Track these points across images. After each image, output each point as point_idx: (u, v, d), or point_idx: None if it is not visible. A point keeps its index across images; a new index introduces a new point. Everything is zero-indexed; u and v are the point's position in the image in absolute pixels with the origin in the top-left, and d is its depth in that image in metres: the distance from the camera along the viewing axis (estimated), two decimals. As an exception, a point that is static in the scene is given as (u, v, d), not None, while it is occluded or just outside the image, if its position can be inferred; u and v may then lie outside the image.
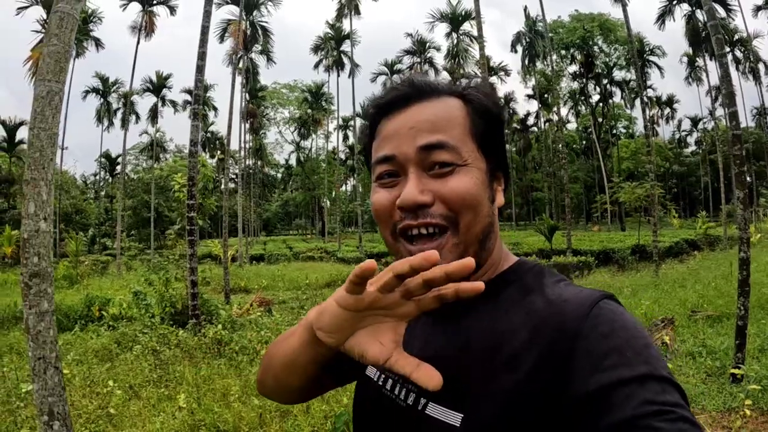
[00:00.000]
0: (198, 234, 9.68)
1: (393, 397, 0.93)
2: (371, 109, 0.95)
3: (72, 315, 13.59)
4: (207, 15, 10.44)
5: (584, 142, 68.19)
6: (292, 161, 72.83)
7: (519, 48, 49.62)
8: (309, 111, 56.83)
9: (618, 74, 54.88)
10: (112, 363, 7.71)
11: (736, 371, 6.22)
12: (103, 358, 8.15)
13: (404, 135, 0.87)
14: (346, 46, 46.82)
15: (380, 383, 0.98)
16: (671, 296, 12.11)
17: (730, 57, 39.82)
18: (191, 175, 9.48)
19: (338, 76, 48.98)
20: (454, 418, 0.79)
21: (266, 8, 38.32)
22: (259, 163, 60.41)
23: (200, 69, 9.97)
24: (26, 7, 27.41)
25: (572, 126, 65.72)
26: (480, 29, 13.49)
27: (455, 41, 45.28)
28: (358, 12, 44.08)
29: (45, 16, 27.47)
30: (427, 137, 0.86)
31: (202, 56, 10.01)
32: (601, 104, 57.35)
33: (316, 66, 49.43)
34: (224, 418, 5.33)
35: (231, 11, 35.48)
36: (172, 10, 37.62)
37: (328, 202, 61.39)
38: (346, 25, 45.76)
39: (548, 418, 0.72)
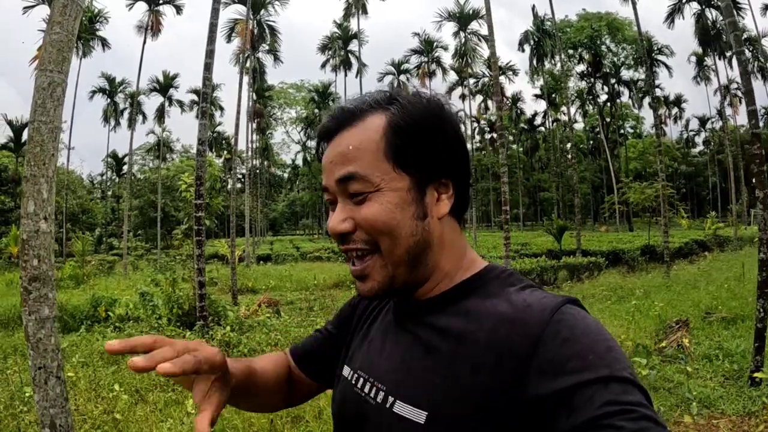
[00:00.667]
0: (205, 234, 9.57)
1: (363, 395, 0.96)
2: (317, 139, 1.00)
3: (78, 315, 13.50)
4: (215, 12, 10.35)
5: (591, 142, 67.94)
6: (299, 161, 73.13)
7: (527, 47, 49.42)
8: (316, 111, 56.86)
9: (626, 74, 54.79)
10: (118, 366, 7.58)
11: (756, 375, 6.04)
12: (109, 360, 8.02)
13: (328, 169, 0.92)
14: (353, 46, 46.93)
15: (353, 382, 1.01)
16: (684, 298, 12.00)
17: (738, 56, 39.56)
18: (199, 174, 9.38)
19: (345, 75, 49.09)
20: (419, 416, 0.82)
21: (273, 7, 38.21)
22: (265, 163, 60.43)
23: (208, 67, 9.88)
24: (32, 7, 27.42)
25: (579, 126, 65.53)
26: (491, 28, 13.34)
27: (463, 40, 45.14)
28: (365, 11, 44.15)
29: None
30: (339, 170, 0.89)
31: (210, 54, 9.91)
32: (608, 104, 57.15)
33: (323, 65, 49.53)
34: (234, 424, 5.21)
35: (238, 10, 35.44)
36: (179, 9, 37.62)
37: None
38: (353, 24, 45.97)
39: (510, 421, 0.73)
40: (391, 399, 0.89)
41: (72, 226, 41.60)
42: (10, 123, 43.45)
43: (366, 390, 0.96)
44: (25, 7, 27.35)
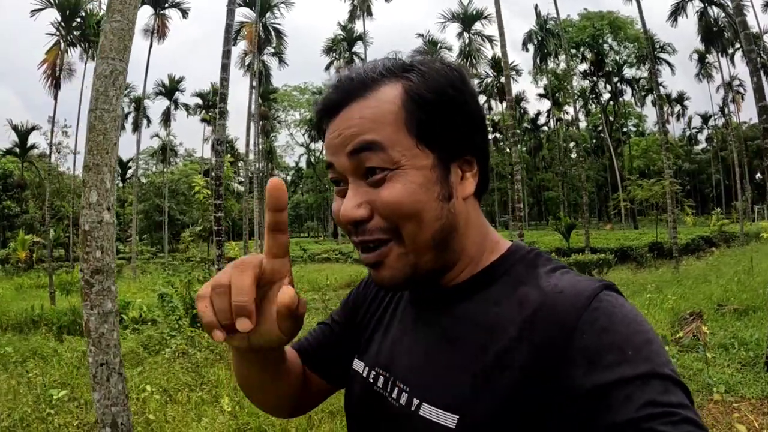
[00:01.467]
0: (224, 235, 9.66)
1: (385, 395, 0.89)
2: (316, 116, 0.88)
3: (92, 319, 13.61)
4: (231, 13, 10.51)
5: (594, 141, 67.87)
6: (302, 164, 73.18)
7: (530, 47, 49.44)
8: (320, 113, 56.80)
9: (628, 72, 54.60)
10: (142, 367, 7.67)
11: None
12: (132, 362, 8.10)
13: (336, 143, 0.81)
14: (358, 48, 46.89)
15: (370, 380, 0.94)
16: (695, 291, 12.15)
17: (740, 53, 39.72)
18: (217, 174, 9.48)
19: (350, 77, 48.95)
20: (450, 419, 0.75)
21: (279, 10, 38.36)
22: (269, 165, 60.50)
23: (225, 67, 9.99)
24: (40, 10, 27.36)
25: (582, 125, 65.53)
26: (501, 29, 13.43)
27: (467, 41, 45.18)
28: (370, 13, 44.19)
29: (59, 19, 27.47)
30: (353, 142, 0.79)
31: (226, 54, 10.04)
32: (611, 102, 57.11)
33: (328, 67, 49.44)
34: (270, 421, 5.23)
35: (244, 14, 35.57)
36: (184, 13, 37.70)
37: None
38: (358, 26, 45.93)
39: (545, 418, 0.67)
40: (416, 401, 0.81)
41: (77, 231, 41.59)
42: (15, 128, 43.32)
43: (387, 390, 0.88)
44: (33, 11, 27.32)
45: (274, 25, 39.86)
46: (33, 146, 46.15)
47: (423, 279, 0.83)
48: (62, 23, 27.54)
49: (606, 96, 57.36)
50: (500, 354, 0.73)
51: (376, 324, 1.03)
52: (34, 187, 46.28)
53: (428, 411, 0.78)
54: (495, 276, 0.84)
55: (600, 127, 60.70)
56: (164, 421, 5.61)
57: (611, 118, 57.47)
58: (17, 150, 44.67)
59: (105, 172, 3.27)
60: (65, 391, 6.32)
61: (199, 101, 55.32)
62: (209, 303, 0.69)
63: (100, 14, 30.04)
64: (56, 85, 27.76)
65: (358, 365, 1.00)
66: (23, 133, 43.78)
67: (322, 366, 1.10)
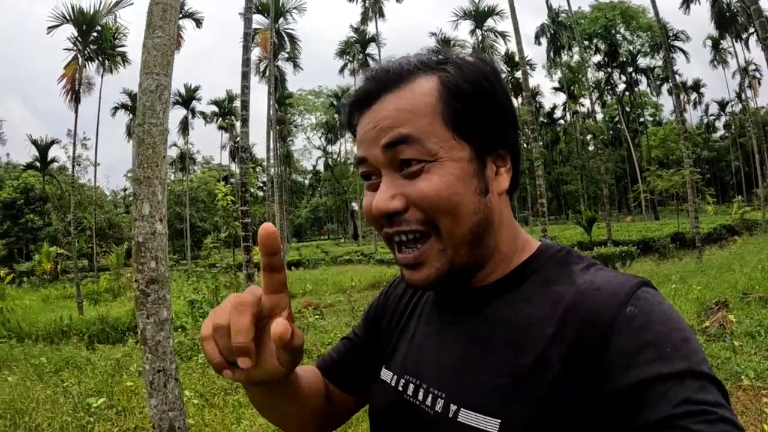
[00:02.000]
0: (251, 240, 9.81)
1: (417, 403, 0.85)
2: (348, 108, 0.89)
3: (120, 327, 13.87)
4: (248, 21, 10.78)
5: (611, 133, 67.35)
6: (320, 167, 73.51)
7: (543, 41, 49.22)
8: (336, 116, 57.15)
9: (642, 61, 54.14)
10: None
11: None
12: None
13: (370, 135, 0.80)
14: (371, 49, 46.83)
15: (400, 388, 0.90)
16: (720, 280, 12.04)
17: (754, 37, 39.23)
18: (242, 181, 9.67)
19: (365, 79, 49.03)
20: (492, 424, 0.73)
21: (291, 16, 38.58)
22: (287, 169, 60.83)
23: (245, 75, 10.19)
24: (57, 26, 27.69)
25: (599, 117, 65.07)
26: (516, 25, 13.49)
27: (480, 38, 45.07)
28: (382, 14, 44.18)
29: (76, 34, 27.82)
30: (389, 134, 0.78)
31: (246, 63, 10.25)
32: (627, 93, 56.68)
33: (342, 70, 49.56)
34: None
35: (257, 20, 35.76)
36: (198, 22, 38.01)
37: (356, 206, 61.37)
38: (371, 28, 45.95)
39: (584, 417, 0.66)
40: (453, 407, 0.78)
41: (100, 242, 42.21)
42: (35, 142, 44.00)
43: (419, 397, 0.85)
44: (49, 27, 27.64)
45: (288, 31, 40.09)
46: (53, 160, 46.98)
47: (457, 276, 0.81)
48: (79, 38, 27.88)
49: (621, 86, 57.01)
50: (537, 354, 0.72)
51: (401, 331, 1.01)
52: (55, 200, 47.05)
53: (468, 417, 0.76)
54: (526, 275, 0.83)
55: (616, 118, 60.29)
56: (204, 425, 5.67)
57: (627, 109, 57.06)
58: (38, 164, 45.31)
59: (156, 185, 3.36)
60: (103, 398, 6.39)
61: (216, 109, 56.10)
62: (215, 344, 0.71)
63: (115, 27, 30.43)
64: (76, 99, 28.14)
65: (386, 374, 0.97)
66: (43, 147, 44.44)
67: (346, 381, 1.08)
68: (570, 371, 0.69)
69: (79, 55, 28.36)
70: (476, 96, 0.80)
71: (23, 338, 13.39)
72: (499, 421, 0.72)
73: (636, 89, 56.81)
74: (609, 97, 59.45)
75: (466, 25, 47.42)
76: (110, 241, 47.42)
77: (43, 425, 5.85)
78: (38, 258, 38.13)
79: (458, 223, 0.77)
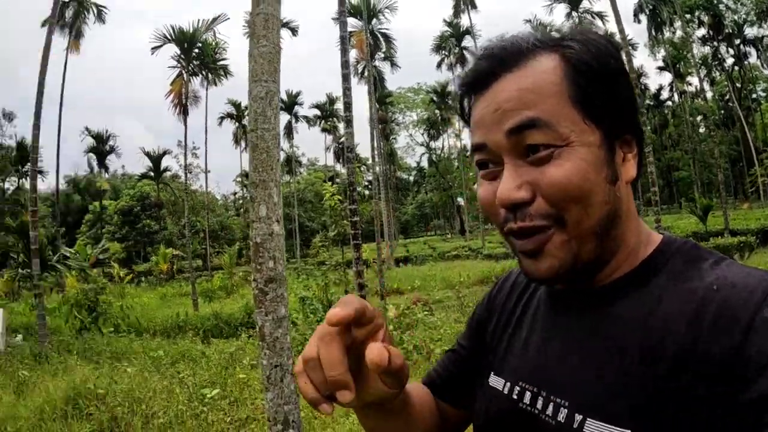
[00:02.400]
0: (361, 238, 10.02)
1: (536, 413, 0.78)
2: (459, 90, 0.81)
3: (233, 322, 14.55)
4: (343, 25, 11.08)
5: (722, 112, 63.34)
6: (424, 163, 73.89)
7: (642, 18, 47.05)
8: (437, 111, 57.24)
9: (750, 31, 50.21)
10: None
11: None
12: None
13: (490, 119, 0.73)
14: (467, 42, 46.62)
15: (514, 396, 0.83)
16: None
17: None
18: (350, 180, 9.94)
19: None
20: None
21: (384, 15, 38.98)
22: (391, 167, 61.61)
23: (346, 77, 10.47)
24: (160, 47, 29.53)
25: (708, 95, 61.44)
26: (613, 1, 13.00)
27: (576, 20, 43.72)
28: (474, 6, 43.88)
29: (179, 52, 29.48)
30: (514, 118, 0.71)
31: (345, 65, 10.55)
32: (736, 67, 53.19)
33: (439, 65, 49.72)
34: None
35: (351, 23, 36.38)
36: (294, 31, 39.16)
37: (462, 201, 60.97)
38: (464, 20, 45.80)
39: (719, 425, 0.60)
40: (578, 417, 0.72)
41: (212, 243, 44.39)
42: (148, 154, 47.05)
43: (538, 406, 0.78)
44: (153, 48, 29.56)
45: (382, 31, 40.67)
46: (166, 169, 50.17)
47: (581, 271, 0.75)
48: (182, 55, 29.65)
49: (730, 61, 53.45)
50: (670, 357, 0.66)
51: (510, 335, 0.93)
52: (170, 206, 50.10)
53: (595, 427, 0.69)
54: (654, 271, 0.76)
55: (727, 96, 56.62)
56: (312, 417, 5.82)
57: (738, 85, 53.54)
58: (152, 174, 48.36)
59: (272, 187, 3.45)
60: (216, 390, 6.72)
61: (317, 112, 58.26)
62: (308, 379, 0.66)
63: (215, 42, 32.00)
64: (184, 112, 29.93)
65: (497, 382, 0.89)
66: (156, 158, 47.48)
67: (456, 395, 1.03)
68: (704, 374, 0.62)
69: (183, 71, 30.05)
70: (605, 75, 0.73)
71: (141, 333, 14.31)
72: (629, 430, 0.66)
73: (746, 62, 53.12)
74: (717, 74, 55.95)
75: (561, 8, 45.80)
76: (222, 242, 50.10)
77: (159, 413, 6.19)
78: (155, 259, 40.87)
79: (588, 213, 0.71)
